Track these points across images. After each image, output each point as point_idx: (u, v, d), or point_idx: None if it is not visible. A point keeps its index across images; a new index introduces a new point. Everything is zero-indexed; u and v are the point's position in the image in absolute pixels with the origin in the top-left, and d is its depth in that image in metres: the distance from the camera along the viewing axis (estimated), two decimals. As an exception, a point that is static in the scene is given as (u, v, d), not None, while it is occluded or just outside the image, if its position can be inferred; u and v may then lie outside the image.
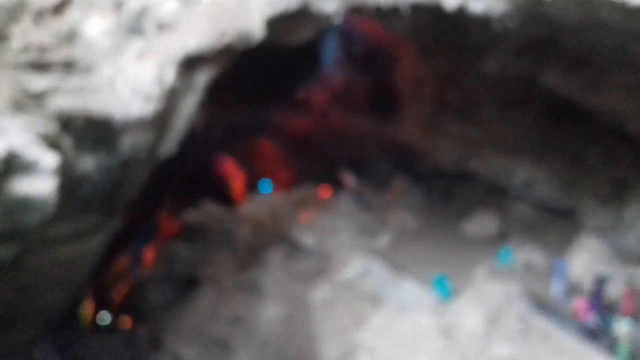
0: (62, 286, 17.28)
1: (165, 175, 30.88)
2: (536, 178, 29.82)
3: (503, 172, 31.30)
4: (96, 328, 38.39)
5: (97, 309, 40.20)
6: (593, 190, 27.98)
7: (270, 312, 26.00)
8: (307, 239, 28.28)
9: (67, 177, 12.12)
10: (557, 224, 28.97)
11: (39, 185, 9.50)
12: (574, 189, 28.85)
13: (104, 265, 32.82)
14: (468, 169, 33.69)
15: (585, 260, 21.33)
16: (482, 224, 28.75)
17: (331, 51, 43.52)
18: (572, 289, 20.42)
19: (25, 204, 9.39)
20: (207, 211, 36.37)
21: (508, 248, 24.06)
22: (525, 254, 23.48)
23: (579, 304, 17.81)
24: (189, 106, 16.99)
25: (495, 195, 32.69)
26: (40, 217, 9.79)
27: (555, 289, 20.27)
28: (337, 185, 33.75)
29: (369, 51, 43.24)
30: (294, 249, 28.83)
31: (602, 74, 22.82)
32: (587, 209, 27.68)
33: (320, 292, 25.47)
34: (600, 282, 18.05)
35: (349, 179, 32.60)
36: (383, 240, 26.97)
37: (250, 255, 30.51)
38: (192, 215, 36.19)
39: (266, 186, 40.99)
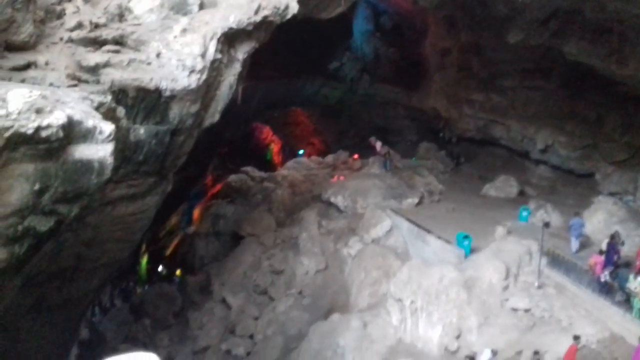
0: (122, 241, 17.75)
1: (209, 142, 31.18)
2: (556, 143, 29.04)
3: (525, 137, 30.57)
4: (153, 278, 39.73)
5: (153, 262, 41.49)
6: (611, 155, 27.16)
7: (306, 266, 26.34)
8: (340, 199, 28.32)
9: (122, 144, 12.28)
10: (575, 187, 28.32)
11: (97, 150, 9.63)
12: (592, 153, 28.05)
13: (159, 223, 33.67)
14: (491, 135, 33.03)
15: (602, 220, 20.81)
16: (503, 186, 28.26)
17: (361, 24, 42.68)
18: (588, 246, 20.03)
19: (85, 167, 9.54)
20: (248, 174, 36.72)
21: (528, 208, 23.63)
22: (544, 214, 23.02)
23: (595, 260, 17.41)
24: (229, 77, 16.94)
25: (516, 159, 32.07)
26: (98, 180, 9.96)
27: (572, 244, 19.90)
28: (367, 150, 33.51)
29: (397, 23, 42.27)
30: (328, 208, 28.96)
31: (625, 42, 21.83)
32: (604, 172, 26.91)
33: (352, 248, 25.62)
34: (614, 239, 17.57)
35: (378, 145, 32.31)
36: (410, 201, 26.81)
37: (288, 215, 30.83)
38: (235, 178, 36.61)
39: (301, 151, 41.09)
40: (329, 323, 21.68)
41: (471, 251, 20.71)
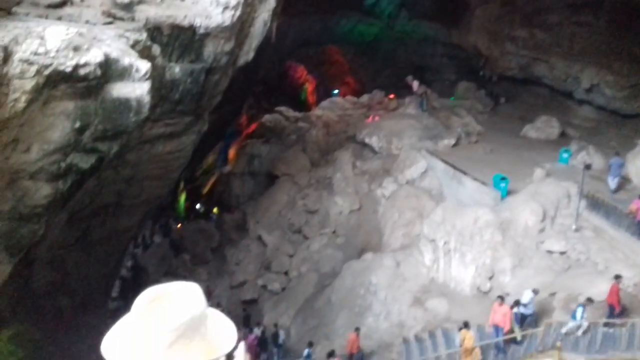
0: (161, 179, 18.18)
1: (244, 81, 31.04)
2: (602, 82, 27.79)
3: (569, 76, 29.33)
4: (191, 215, 40.91)
5: (191, 200, 42.60)
6: (659, 95, 25.94)
7: (340, 206, 26.58)
8: (374, 140, 28.09)
9: (158, 82, 12.35)
10: (619, 128, 27.28)
11: (134, 88, 9.73)
12: (639, 93, 26.80)
13: (195, 162, 34.29)
14: (534, 74, 31.82)
15: (646, 162, 20.13)
16: (544, 127, 27.42)
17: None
18: (628, 188, 19.49)
19: (123, 105, 9.69)
20: (283, 114, 36.66)
21: (569, 150, 22.96)
22: (586, 156, 22.37)
23: (637, 205, 16.98)
24: (263, 14, 16.61)
25: (559, 99, 30.92)
26: (136, 118, 10.12)
27: (610, 183, 19.36)
28: (403, 90, 32.82)
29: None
30: (362, 149, 28.82)
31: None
32: (651, 113, 25.78)
33: (385, 189, 25.63)
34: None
35: (415, 84, 31.56)
36: (446, 142, 26.37)
37: (322, 155, 30.87)
38: (269, 118, 36.64)
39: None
40: (362, 262, 22.08)
41: (508, 193, 20.44)
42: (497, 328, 15.35)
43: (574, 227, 18.17)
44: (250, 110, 42.32)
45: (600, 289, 16.18)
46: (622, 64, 27.29)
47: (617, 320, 14.27)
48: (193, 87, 15.02)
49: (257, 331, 21.28)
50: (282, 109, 37.36)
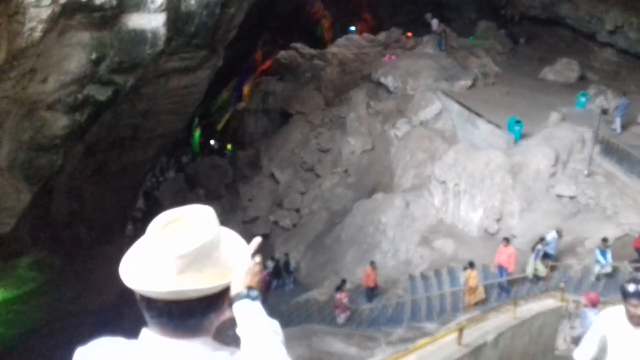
0: (176, 114, 18.34)
1: (259, 16, 30.47)
2: (626, 24, 26.84)
3: (593, 17, 28.32)
4: (205, 151, 41.34)
5: (206, 136, 42.90)
6: (685, 38, 25.08)
7: (352, 146, 26.67)
8: (390, 80, 27.74)
9: (174, 14, 12.23)
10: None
11: (149, 20, 9.70)
12: (665, 37, 25.94)
13: (210, 97, 34.26)
14: (557, 13, 30.71)
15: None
16: (564, 70, 26.83)
17: None
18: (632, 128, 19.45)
19: (138, 37, 9.71)
20: (298, 51, 36.14)
21: (586, 94, 22.54)
22: (603, 100, 21.99)
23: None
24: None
25: (581, 41, 30.02)
26: (152, 50, 10.14)
27: (616, 124, 19.18)
28: (421, 28, 32.02)
29: None
30: (377, 89, 28.53)
31: None
32: (676, 58, 25.04)
33: (399, 130, 25.58)
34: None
35: (434, 23, 30.73)
36: (463, 83, 25.96)
37: (337, 94, 30.64)
38: (285, 55, 36.15)
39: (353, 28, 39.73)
40: (372, 201, 22.40)
41: (522, 136, 20.32)
42: (501, 268, 15.75)
43: (585, 172, 18.19)
44: (265, 47, 41.77)
45: (607, 234, 16.39)
46: (649, 5, 26.23)
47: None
48: (208, 20, 14.86)
49: (270, 265, 22.05)
50: (298, 45, 36.77)
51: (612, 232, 16.39)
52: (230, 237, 1.66)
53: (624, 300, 3.57)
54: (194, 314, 1.51)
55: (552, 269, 15.46)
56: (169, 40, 11.79)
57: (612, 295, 10.87)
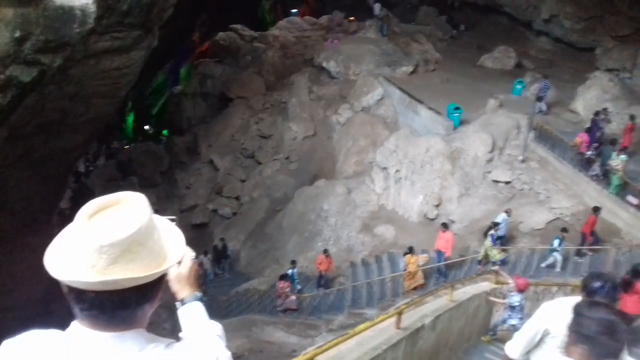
0: (107, 97, 17.76)
1: (197, -5, 29.85)
2: (562, 13, 28.21)
3: (530, 5, 29.56)
4: (139, 137, 40.27)
5: (140, 120, 41.75)
6: (614, 29, 26.63)
7: (294, 132, 26.77)
8: (332, 65, 27.97)
9: (104, -8, 11.85)
10: (574, 61, 28.05)
11: (78, -2, 9.40)
12: (596, 26, 27.44)
13: (145, 80, 33.32)
14: (495, 1, 31.83)
15: (595, 96, 21.00)
16: (501, 57, 27.91)
17: None
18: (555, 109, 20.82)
19: (66, 15, 9.37)
20: (238, 32, 35.69)
21: (522, 81, 23.59)
22: (538, 88, 23.07)
23: (582, 138, 17.90)
24: None
25: (518, 29, 31.29)
26: (81, 29, 9.81)
27: (536, 107, 20.35)
28: (364, 12, 32.36)
29: None
30: (319, 73, 28.70)
31: None
32: (605, 47, 26.57)
33: (341, 116, 25.90)
34: (598, 116, 17.97)
35: (377, 7, 31.14)
36: (404, 69, 26.56)
37: (278, 78, 30.57)
38: (224, 37, 35.63)
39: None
40: (314, 188, 22.65)
41: (461, 123, 21.10)
42: (439, 253, 16.39)
43: (520, 157, 19.11)
44: (203, 27, 40.95)
45: (540, 218, 17.39)
46: (582, -5, 27.66)
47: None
48: (141, -1, 14.47)
49: (203, 259, 21.97)
50: (238, 27, 36.30)
51: (544, 217, 17.38)
52: (164, 225, 1.63)
53: (587, 296, 3.40)
54: (128, 305, 1.46)
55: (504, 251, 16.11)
56: (99, 18, 11.44)
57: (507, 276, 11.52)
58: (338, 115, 26.09)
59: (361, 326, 6.62)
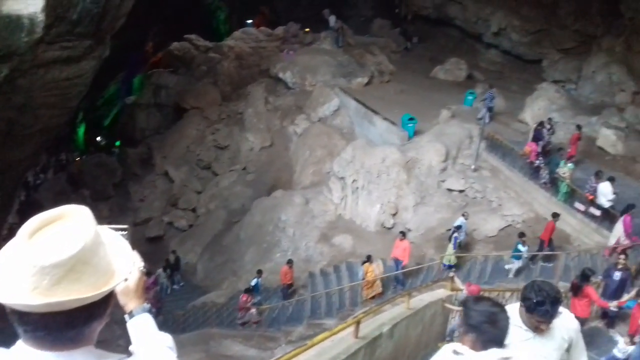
0: (57, 108, 17.28)
1: (151, 4, 29.46)
2: (509, 27, 29.25)
3: (480, 18, 30.52)
4: (91, 148, 39.23)
5: (91, 132, 40.69)
6: (560, 42, 27.78)
7: (251, 142, 26.66)
8: (288, 75, 28.07)
9: (56, 0, 11.59)
10: (522, 73, 29.09)
11: (27, 5, 9.13)
12: (542, 39, 28.57)
13: (96, 90, 32.55)
14: (447, 14, 32.71)
15: (542, 106, 21.81)
16: (453, 69, 28.67)
17: None
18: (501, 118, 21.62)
19: (14, 24, 9.11)
20: (192, 43, 35.39)
21: (474, 92, 24.27)
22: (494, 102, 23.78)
23: (531, 147, 18.51)
24: None
25: (469, 41, 32.23)
26: (29, 38, 9.54)
27: (481, 114, 21.19)
28: (319, 24, 32.67)
29: None
30: (276, 84, 28.74)
31: None
32: (551, 59, 27.67)
33: (298, 126, 25.98)
34: (541, 126, 18.67)
35: (332, 19, 31.49)
36: (359, 80, 26.91)
37: (234, 89, 30.42)
38: (178, 46, 35.25)
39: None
40: (271, 199, 22.57)
41: (415, 133, 21.51)
42: (397, 261, 16.58)
43: (473, 166, 19.60)
44: (157, 37, 40.40)
45: (493, 226, 17.85)
46: (529, 9, 28.75)
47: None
48: (93, 7, 14.19)
49: (160, 272, 21.56)
50: (192, 37, 35.99)
51: (497, 224, 17.85)
52: (111, 239, 1.56)
53: (526, 311, 3.23)
54: (75, 325, 1.41)
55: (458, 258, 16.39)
56: (48, 27, 11.15)
57: (462, 283, 11.80)
58: (295, 125, 26.17)
59: (320, 336, 6.62)
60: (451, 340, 10.11)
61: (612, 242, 13.98)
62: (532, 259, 15.83)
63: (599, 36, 26.36)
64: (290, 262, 18.04)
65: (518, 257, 15.48)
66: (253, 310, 17.24)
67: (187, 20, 39.22)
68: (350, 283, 17.24)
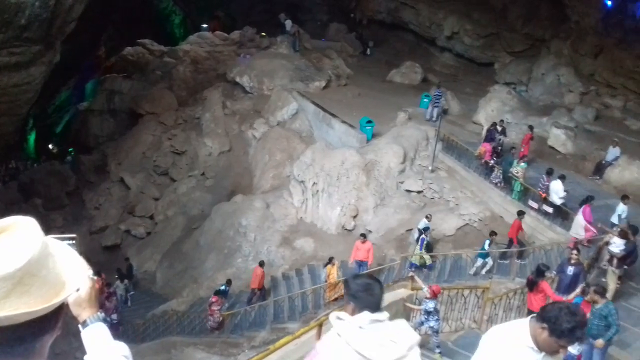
0: (6, 115, 16.72)
1: (102, 8, 28.82)
2: (462, 30, 29.96)
3: (433, 23, 31.14)
4: (42, 156, 38.00)
5: (43, 139, 39.42)
6: (510, 45, 28.64)
7: (209, 147, 26.34)
8: (246, 80, 27.93)
9: (1, 4, 11.21)
10: (475, 76, 29.81)
11: (-30, 11, 8.80)
12: (494, 43, 29.39)
13: (47, 97, 31.58)
14: (401, 18, 33.25)
15: (495, 108, 22.42)
16: (408, 72, 29.13)
17: None
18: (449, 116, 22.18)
19: (-43, 29, 8.75)
20: (146, 47, 34.82)
21: (429, 95, 24.67)
22: (444, 101, 24.25)
23: (485, 147, 18.96)
24: None
25: (423, 45, 32.82)
26: (-26, 45, 9.19)
27: (432, 113, 21.96)
28: (276, 28, 32.65)
29: None
30: (233, 88, 28.53)
31: None
32: (502, 62, 28.46)
33: (256, 130, 25.86)
34: (494, 127, 19.21)
35: (288, 23, 31.52)
36: (317, 84, 27.01)
37: (190, 93, 30.07)
38: (131, 51, 34.61)
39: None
40: (231, 204, 22.37)
41: (373, 136, 21.73)
42: (360, 263, 16.66)
43: (430, 168, 19.95)
44: (109, 42, 39.55)
45: (451, 225, 18.18)
46: (480, 13, 29.56)
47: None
48: (42, 12, 13.79)
49: (118, 284, 21.07)
50: (146, 41, 35.40)
51: (455, 223, 18.19)
52: (59, 249, 1.52)
53: (556, 336, 3.01)
54: (25, 339, 1.36)
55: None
56: (-5, 32, 10.79)
57: (422, 282, 11.89)
58: (253, 130, 26.03)
59: (282, 340, 6.61)
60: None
61: (581, 234, 14.28)
62: (503, 256, 15.93)
63: (548, 39, 27.31)
64: (262, 264, 17.78)
65: (484, 255, 15.61)
66: (218, 315, 17.00)
67: (141, 24, 38.57)
68: (312, 286, 17.23)
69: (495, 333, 3.30)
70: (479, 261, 15.66)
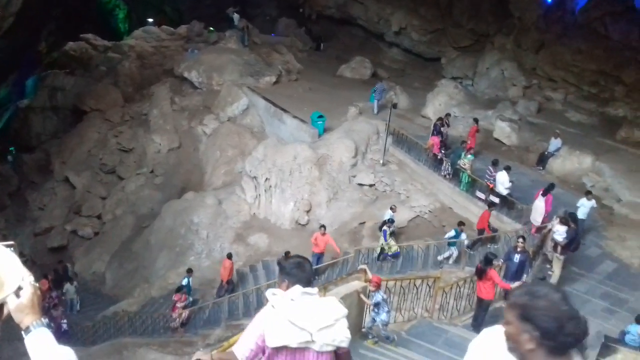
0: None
1: (44, 4, 27.69)
2: (409, 26, 30.43)
3: (381, 18, 31.49)
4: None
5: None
6: (456, 40, 29.30)
7: (158, 144, 25.79)
8: (194, 75, 27.47)
9: None
10: (422, 70, 30.36)
11: None
12: (440, 38, 29.99)
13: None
14: (350, 14, 33.45)
15: (443, 102, 22.92)
16: (358, 67, 29.38)
17: None
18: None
19: None
20: (89, 42, 33.73)
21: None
22: (393, 96, 24.59)
23: (433, 141, 19.34)
24: None
25: (372, 41, 33.15)
26: None
27: (374, 106, 22.63)
28: (224, 23, 32.24)
29: None
30: (181, 84, 28.01)
31: None
32: (449, 57, 29.08)
33: (207, 126, 25.50)
34: (440, 121, 19.64)
35: (236, 18, 31.17)
36: (267, 79, 26.85)
37: (137, 89, 29.33)
38: (74, 46, 33.44)
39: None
40: (182, 201, 22.02)
41: (325, 130, 21.82)
42: (318, 256, 16.70)
43: (381, 161, 20.21)
44: (50, 37, 38.02)
45: (402, 217, 18.46)
46: (427, 9, 30.09)
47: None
48: (-24, 5, 13.15)
49: (69, 288, 20.38)
50: (89, 36, 34.25)
51: (406, 215, 18.50)
52: None
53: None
54: None
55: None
56: None
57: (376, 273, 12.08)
58: (203, 126, 25.67)
59: (236, 337, 6.54)
60: (375, 338, 10.38)
61: (538, 220, 14.71)
62: (472, 245, 16.11)
63: (492, 34, 28.10)
64: (230, 256, 17.49)
65: (454, 244, 15.82)
66: (185, 312, 16.67)
67: (83, 19, 37.30)
68: (267, 282, 17.18)
69: (484, 337, 2.80)
70: (451, 250, 15.69)
